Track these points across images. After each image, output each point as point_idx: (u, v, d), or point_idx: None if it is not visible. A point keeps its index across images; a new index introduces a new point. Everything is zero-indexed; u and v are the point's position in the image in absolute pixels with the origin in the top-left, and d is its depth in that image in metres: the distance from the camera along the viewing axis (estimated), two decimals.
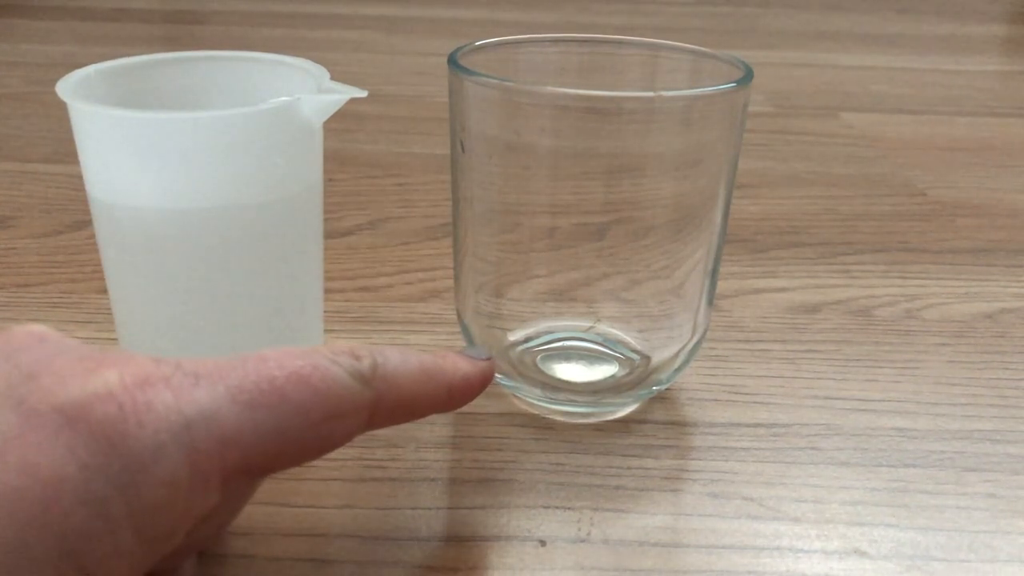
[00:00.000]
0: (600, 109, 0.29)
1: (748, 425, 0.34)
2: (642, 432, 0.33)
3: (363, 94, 0.30)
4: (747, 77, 0.30)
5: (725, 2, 1.25)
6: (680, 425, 0.34)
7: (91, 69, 0.31)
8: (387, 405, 0.23)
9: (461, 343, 0.38)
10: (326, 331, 0.37)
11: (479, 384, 0.27)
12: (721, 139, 0.30)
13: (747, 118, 0.31)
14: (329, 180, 0.35)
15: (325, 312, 0.36)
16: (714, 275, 0.33)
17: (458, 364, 0.26)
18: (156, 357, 0.21)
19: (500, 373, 0.34)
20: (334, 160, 0.59)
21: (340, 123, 0.66)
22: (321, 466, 0.31)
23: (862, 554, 0.28)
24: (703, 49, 0.33)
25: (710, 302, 0.34)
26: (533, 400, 0.34)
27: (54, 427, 0.18)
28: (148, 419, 0.19)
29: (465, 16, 1.11)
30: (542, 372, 0.34)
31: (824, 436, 0.33)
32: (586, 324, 0.35)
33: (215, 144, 0.28)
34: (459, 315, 0.35)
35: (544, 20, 1.10)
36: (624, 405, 0.34)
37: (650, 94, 0.29)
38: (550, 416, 0.34)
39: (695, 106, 0.30)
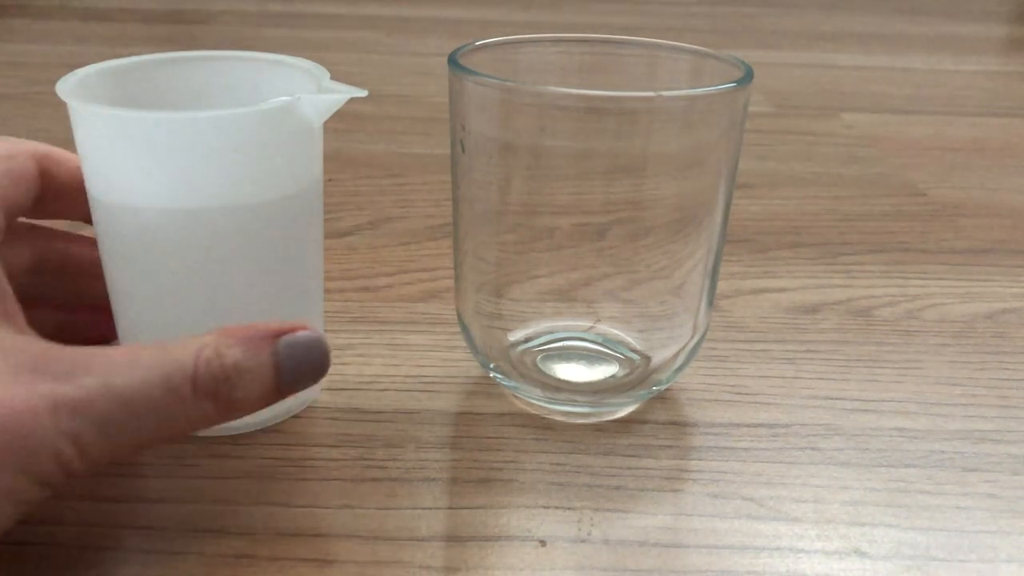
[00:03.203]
0: (600, 109, 0.29)
1: (748, 425, 0.34)
2: (642, 432, 0.33)
3: (363, 94, 0.30)
4: (747, 77, 0.30)
5: (725, 2, 1.25)
6: (680, 425, 0.34)
7: (91, 69, 0.31)
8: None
9: (461, 343, 0.38)
10: (326, 331, 0.37)
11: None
12: (721, 139, 0.30)
13: (747, 118, 0.31)
14: (329, 180, 0.35)
15: (325, 312, 0.36)
16: (714, 275, 0.33)
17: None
18: None
19: (500, 373, 0.34)
20: (334, 160, 0.59)
21: (340, 123, 0.66)
22: (321, 466, 0.31)
23: (862, 554, 0.28)
24: (703, 49, 0.33)
25: (710, 302, 0.34)
26: (533, 400, 0.34)
27: None
28: None
29: (465, 16, 1.11)
30: (542, 372, 0.34)
31: (824, 436, 0.33)
32: (586, 324, 0.35)
33: (215, 144, 0.28)
34: (459, 315, 0.35)
35: (544, 20, 1.10)
36: (624, 405, 0.34)
37: (650, 94, 0.29)
38: (550, 416, 0.34)
39: (695, 106, 0.30)
